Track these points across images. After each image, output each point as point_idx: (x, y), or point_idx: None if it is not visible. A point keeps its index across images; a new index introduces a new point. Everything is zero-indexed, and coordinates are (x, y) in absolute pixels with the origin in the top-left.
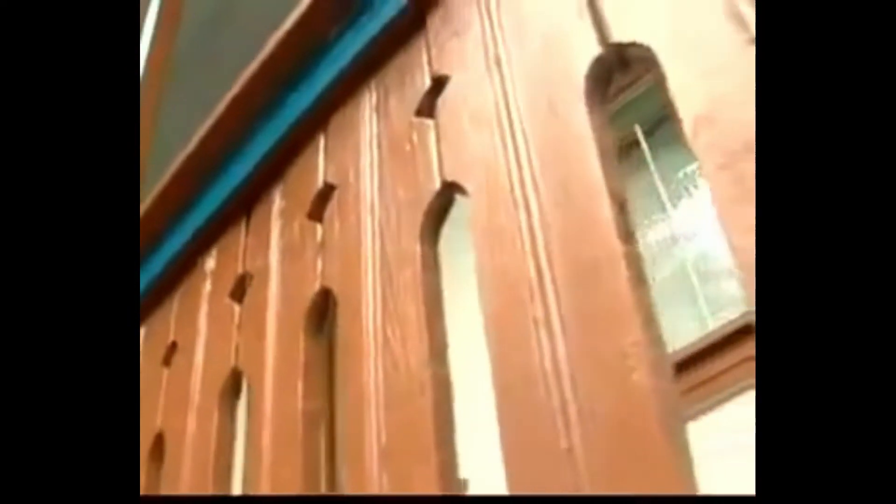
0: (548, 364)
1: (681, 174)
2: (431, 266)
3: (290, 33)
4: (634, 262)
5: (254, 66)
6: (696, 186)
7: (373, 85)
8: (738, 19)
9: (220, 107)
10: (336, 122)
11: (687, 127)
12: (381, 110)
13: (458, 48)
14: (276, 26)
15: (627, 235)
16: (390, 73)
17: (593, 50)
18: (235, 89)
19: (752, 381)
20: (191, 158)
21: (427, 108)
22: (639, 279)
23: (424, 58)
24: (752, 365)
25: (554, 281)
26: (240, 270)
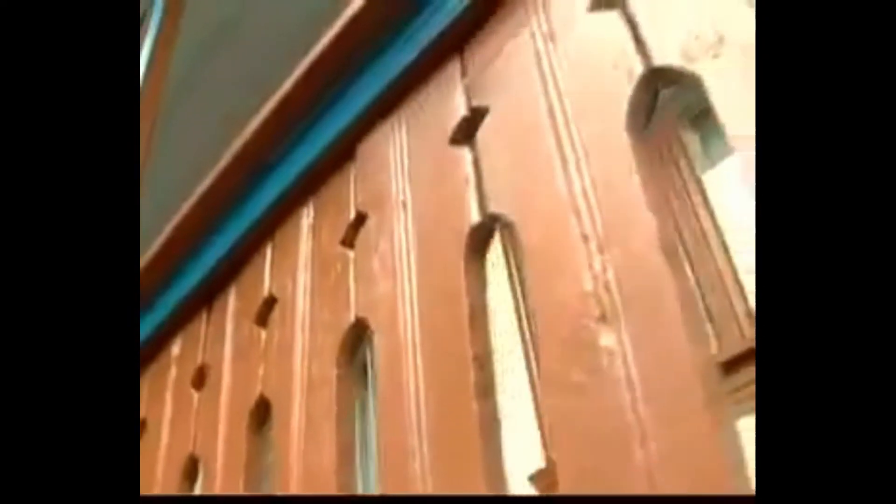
0: None
1: None
2: (346, 388)
3: (235, 157)
4: None
5: (206, 183)
6: None
7: (311, 205)
8: None
9: (180, 213)
10: (280, 235)
11: None
12: (315, 232)
13: (376, 186)
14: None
15: None
16: (324, 197)
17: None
18: (190, 202)
19: None
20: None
21: (349, 239)
22: None
23: (352, 189)
24: None
25: None
26: (199, 360)
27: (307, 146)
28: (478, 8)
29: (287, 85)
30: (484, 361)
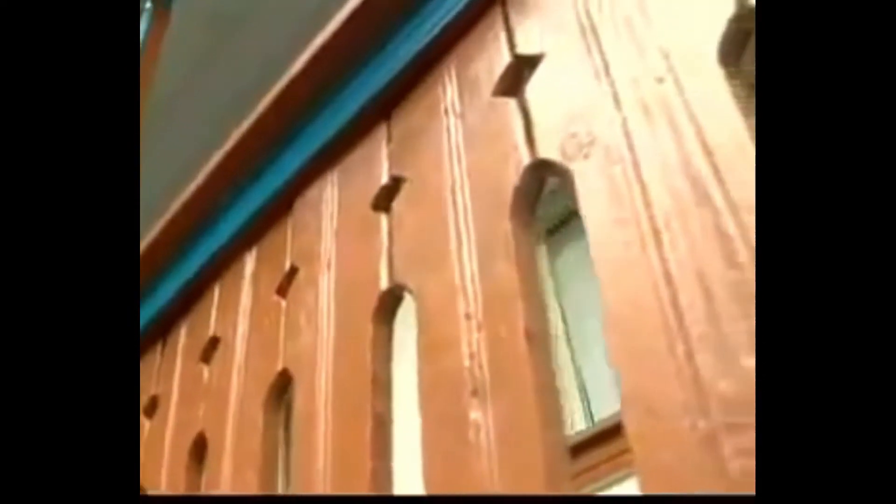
0: None
1: None
2: (271, 436)
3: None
4: None
5: (158, 226)
6: None
7: (254, 252)
8: None
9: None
10: (226, 278)
11: None
12: (256, 279)
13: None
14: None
15: None
16: (265, 247)
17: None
18: (147, 239)
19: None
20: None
21: (283, 290)
22: None
23: (288, 242)
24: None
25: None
26: (151, 391)
27: (254, 195)
28: (405, 78)
29: (233, 138)
30: (383, 422)
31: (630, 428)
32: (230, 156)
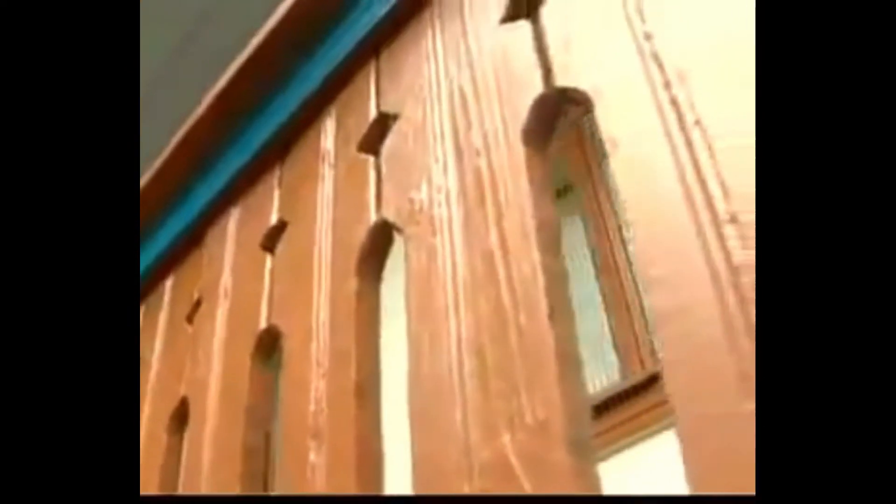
0: None
1: None
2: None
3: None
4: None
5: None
6: None
7: (171, 279)
8: None
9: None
10: (145, 308)
11: None
12: (172, 305)
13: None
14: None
15: None
16: (180, 275)
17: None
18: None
19: None
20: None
21: (191, 317)
22: None
23: (199, 273)
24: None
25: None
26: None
27: (171, 223)
28: (296, 122)
29: (151, 170)
30: (254, 455)
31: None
32: (148, 187)
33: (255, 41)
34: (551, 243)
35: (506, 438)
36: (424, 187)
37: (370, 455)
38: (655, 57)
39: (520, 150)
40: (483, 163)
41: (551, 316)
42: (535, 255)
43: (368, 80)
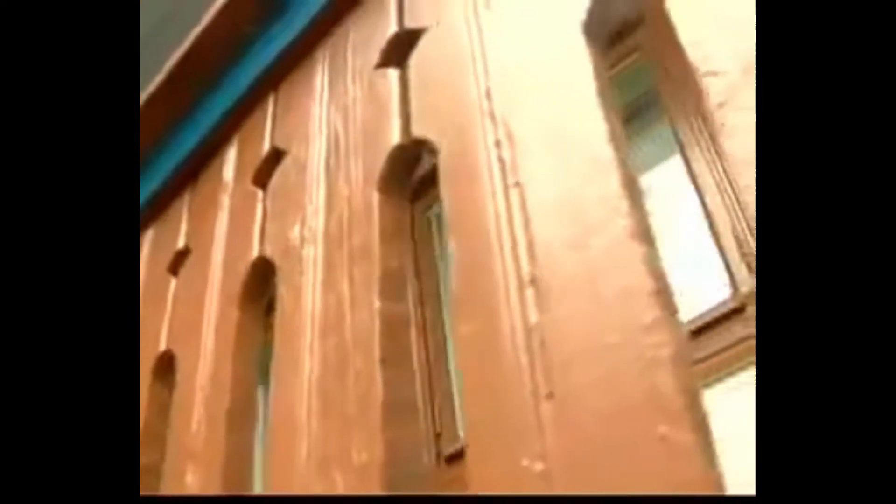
0: None
1: None
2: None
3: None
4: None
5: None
6: None
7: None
8: None
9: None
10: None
11: None
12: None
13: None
14: None
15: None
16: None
17: None
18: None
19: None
20: None
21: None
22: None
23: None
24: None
25: None
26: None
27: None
28: (200, 154)
29: None
30: (148, 474)
31: None
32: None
33: (159, 78)
34: (394, 291)
35: (336, 476)
36: (297, 228)
37: (238, 478)
38: (492, 115)
39: (374, 197)
40: (346, 208)
41: (383, 361)
42: (376, 303)
43: (266, 113)
